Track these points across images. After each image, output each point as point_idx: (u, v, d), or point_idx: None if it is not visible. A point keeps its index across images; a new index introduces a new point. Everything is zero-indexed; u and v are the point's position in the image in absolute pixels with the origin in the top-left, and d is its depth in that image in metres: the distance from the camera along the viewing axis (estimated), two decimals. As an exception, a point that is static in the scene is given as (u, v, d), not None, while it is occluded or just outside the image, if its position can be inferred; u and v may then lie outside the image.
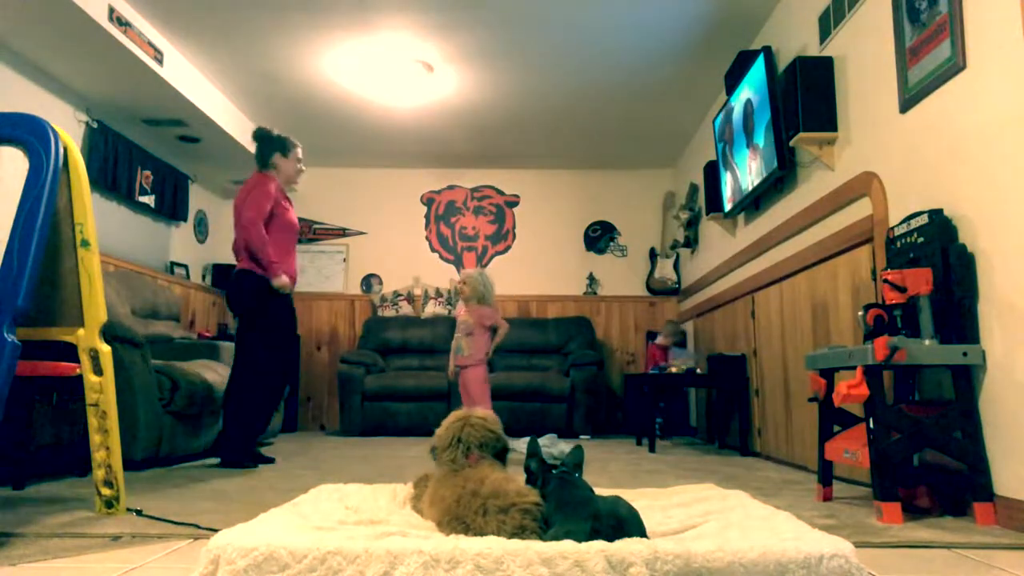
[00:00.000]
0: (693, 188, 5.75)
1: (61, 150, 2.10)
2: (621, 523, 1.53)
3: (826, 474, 2.56)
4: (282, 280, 3.56)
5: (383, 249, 6.66)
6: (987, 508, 2.09)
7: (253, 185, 3.64)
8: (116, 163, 4.81)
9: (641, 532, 1.54)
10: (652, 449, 4.42)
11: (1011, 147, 2.07)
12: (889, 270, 2.35)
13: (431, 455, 2.09)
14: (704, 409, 5.29)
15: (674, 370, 4.73)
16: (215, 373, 3.99)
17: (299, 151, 3.85)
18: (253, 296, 3.55)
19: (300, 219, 6.73)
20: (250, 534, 1.47)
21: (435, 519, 1.79)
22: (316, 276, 6.66)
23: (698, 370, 4.77)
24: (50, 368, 2.38)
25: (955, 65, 2.30)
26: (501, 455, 2.04)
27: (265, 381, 3.58)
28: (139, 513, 2.19)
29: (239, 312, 3.63)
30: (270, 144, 3.76)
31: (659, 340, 5.78)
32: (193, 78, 4.64)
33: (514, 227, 6.72)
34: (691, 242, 5.82)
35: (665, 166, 6.64)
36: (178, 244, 5.94)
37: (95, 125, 4.62)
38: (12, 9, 3.44)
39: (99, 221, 4.69)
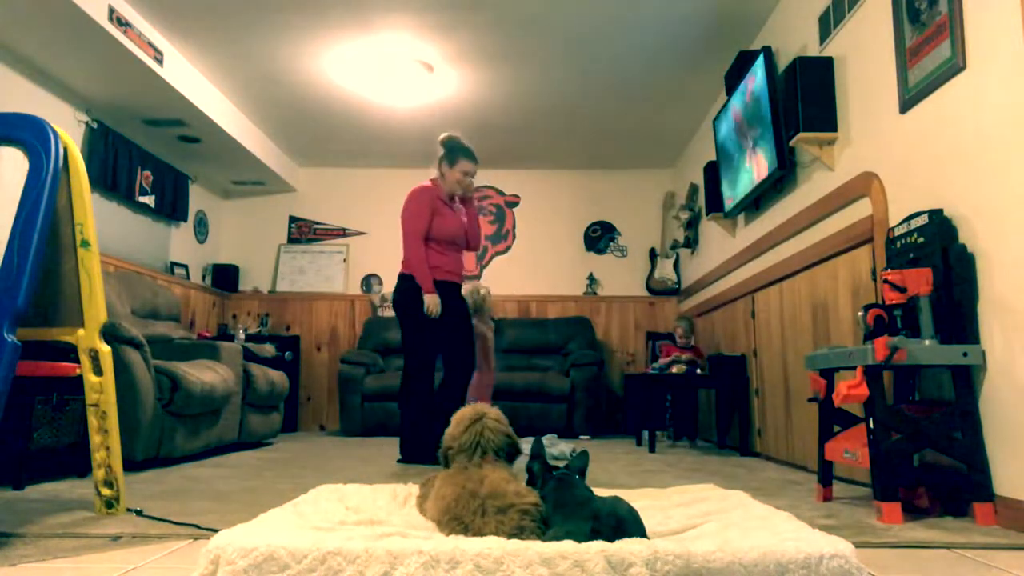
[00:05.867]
0: (693, 188, 5.75)
1: (61, 150, 2.09)
2: (621, 523, 1.52)
3: (826, 474, 2.56)
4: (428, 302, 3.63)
5: (383, 249, 6.66)
6: (987, 508, 2.09)
7: (410, 195, 3.73)
8: (116, 163, 4.81)
9: (641, 532, 1.54)
10: (652, 449, 4.42)
11: (1011, 147, 2.07)
12: (889, 270, 2.35)
13: (441, 457, 2.05)
14: (705, 409, 5.29)
15: (674, 370, 4.72)
16: (215, 373, 3.99)
17: (465, 164, 3.77)
18: (407, 299, 3.67)
19: (300, 219, 6.81)
20: (250, 534, 1.47)
21: (435, 517, 1.79)
22: (316, 276, 6.66)
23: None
24: (50, 368, 2.37)
25: (955, 65, 2.30)
26: (511, 456, 2.03)
27: (419, 383, 3.63)
28: (139, 513, 2.19)
29: (398, 314, 3.74)
30: (443, 151, 3.79)
31: (679, 341, 5.57)
32: (193, 78, 4.64)
33: (514, 227, 6.72)
34: (691, 242, 5.82)
35: (665, 166, 6.64)
36: (178, 244, 5.94)
37: (95, 125, 4.62)
38: (12, 9, 3.44)
39: (99, 221, 4.69)
